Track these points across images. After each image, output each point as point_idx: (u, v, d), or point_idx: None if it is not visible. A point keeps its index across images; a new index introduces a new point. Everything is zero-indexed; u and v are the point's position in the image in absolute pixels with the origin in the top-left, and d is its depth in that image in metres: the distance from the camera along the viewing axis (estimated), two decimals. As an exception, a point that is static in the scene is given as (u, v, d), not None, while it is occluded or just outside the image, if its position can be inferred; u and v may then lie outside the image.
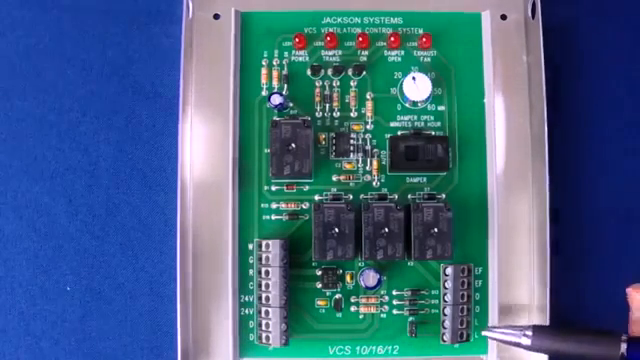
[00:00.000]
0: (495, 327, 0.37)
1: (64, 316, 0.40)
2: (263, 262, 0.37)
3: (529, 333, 0.35)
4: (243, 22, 0.40)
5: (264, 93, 0.40)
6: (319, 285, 0.39)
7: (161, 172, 0.41)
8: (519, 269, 0.39)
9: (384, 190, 0.40)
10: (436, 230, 0.38)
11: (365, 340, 0.39)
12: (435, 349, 0.39)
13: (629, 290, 0.34)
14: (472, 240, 0.39)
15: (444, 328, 0.38)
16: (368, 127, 0.40)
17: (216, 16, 0.41)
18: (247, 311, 0.39)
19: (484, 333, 0.37)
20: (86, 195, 0.41)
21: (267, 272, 0.37)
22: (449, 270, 0.38)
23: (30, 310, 0.40)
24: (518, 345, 0.35)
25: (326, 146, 0.40)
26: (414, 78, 0.39)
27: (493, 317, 0.39)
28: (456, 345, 0.39)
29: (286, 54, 0.40)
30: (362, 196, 0.40)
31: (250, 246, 0.39)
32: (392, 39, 0.40)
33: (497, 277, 0.39)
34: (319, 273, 0.39)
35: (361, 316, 0.39)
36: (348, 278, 0.39)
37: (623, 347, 0.33)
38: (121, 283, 0.40)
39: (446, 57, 0.41)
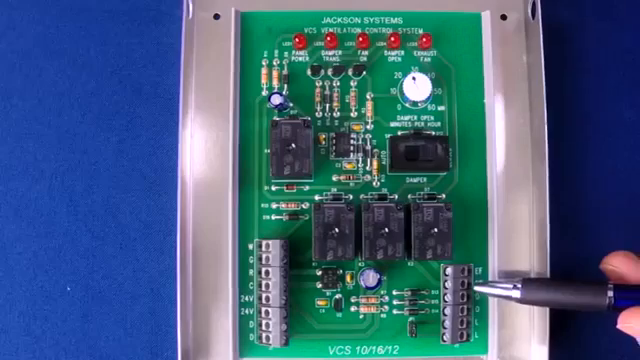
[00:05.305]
0: (485, 282, 0.38)
1: (64, 316, 0.40)
2: (263, 262, 0.37)
3: (519, 286, 0.36)
4: (243, 22, 0.40)
5: (264, 93, 0.40)
6: (319, 285, 0.39)
7: (161, 172, 0.41)
8: (519, 269, 0.39)
9: (384, 190, 0.40)
10: (436, 230, 0.38)
11: (365, 340, 0.39)
12: (435, 349, 0.39)
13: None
14: (472, 240, 0.39)
15: (444, 328, 0.38)
16: (368, 127, 0.40)
17: (216, 16, 0.41)
18: (247, 311, 0.39)
19: (476, 288, 0.38)
20: (86, 195, 0.41)
21: (267, 272, 0.37)
22: (449, 270, 0.38)
23: (30, 310, 0.40)
24: (509, 298, 0.36)
25: (326, 146, 0.40)
26: (414, 78, 0.39)
27: (493, 317, 0.39)
28: (456, 345, 0.39)
29: (286, 54, 0.40)
30: (362, 196, 0.40)
31: (250, 246, 0.39)
32: (392, 39, 0.40)
33: (497, 277, 0.39)
34: (319, 273, 0.39)
35: (361, 316, 0.39)
36: (348, 278, 0.39)
37: (610, 294, 0.34)
38: (121, 283, 0.40)
39: (446, 57, 0.41)
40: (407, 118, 0.40)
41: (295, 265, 0.39)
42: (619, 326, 0.33)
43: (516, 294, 0.36)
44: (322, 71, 0.40)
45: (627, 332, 0.34)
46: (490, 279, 0.39)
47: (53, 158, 0.41)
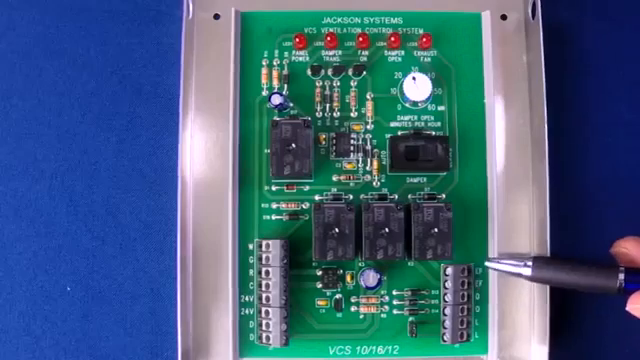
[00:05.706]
0: (496, 258, 0.38)
1: (64, 316, 0.40)
2: (263, 262, 0.37)
3: (530, 263, 0.36)
4: (243, 22, 0.40)
5: (264, 93, 0.40)
6: (319, 285, 0.39)
7: (161, 172, 0.41)
8: (519, 269, 0.39)
9: (384, 190, 0.40)
10: (436, 230, 0.38)
11: (365, 340, 0.39)
12: (435, 349, 0.39)
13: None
14: (472, 240, 0.39)
15: (444, 328, 0.38)
16: (368, 127, 0.40)
17: (216, 16, 0.41)
18: (247, 311, 0.39)
19: (487, 264, 0.38)
20: (86, 195, 0.41)
21: (267, 272, 0.37)
22: (449, 270, 0.38)
23: (30, 310, 0.40)
24: (519, 275, 0.37)
25: (326, 146, 0.40)
26: (414, 78, 0.39)
27: (493, 317, 0.39)
28: (456, 345, 0.39)
29: (286, 54, 0.40)
30: (362, 196, 0.40)
31: (250, 246, 0.39)
32: (392, 39, 0.40)
33: (497, 277, 0.39)
34: (319, 273, 0.39)
35: (361, 316, 0.39)
36: (348, 278, 0.39)
37: (621, 277, 0.34)
38: (121, 283, 0.40)
39: (446, 57, 0.41)
40: (407, 118, 0.40)
41: (295, 265, 0.39)
42: (628, 308, 0.34)
43: (527, 272, 0.36)
44: (322, 71, 0.40)
45: (635, 314, 0.34)
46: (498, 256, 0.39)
47: (53, 158, 0.41)
